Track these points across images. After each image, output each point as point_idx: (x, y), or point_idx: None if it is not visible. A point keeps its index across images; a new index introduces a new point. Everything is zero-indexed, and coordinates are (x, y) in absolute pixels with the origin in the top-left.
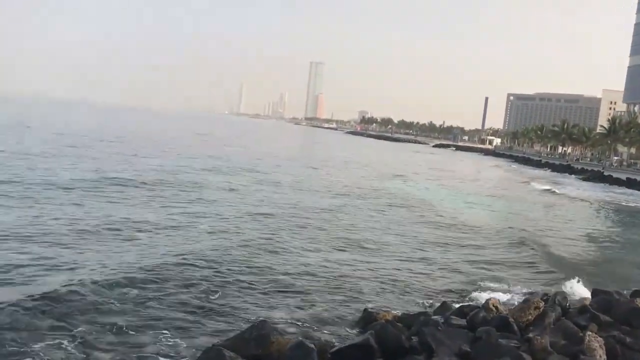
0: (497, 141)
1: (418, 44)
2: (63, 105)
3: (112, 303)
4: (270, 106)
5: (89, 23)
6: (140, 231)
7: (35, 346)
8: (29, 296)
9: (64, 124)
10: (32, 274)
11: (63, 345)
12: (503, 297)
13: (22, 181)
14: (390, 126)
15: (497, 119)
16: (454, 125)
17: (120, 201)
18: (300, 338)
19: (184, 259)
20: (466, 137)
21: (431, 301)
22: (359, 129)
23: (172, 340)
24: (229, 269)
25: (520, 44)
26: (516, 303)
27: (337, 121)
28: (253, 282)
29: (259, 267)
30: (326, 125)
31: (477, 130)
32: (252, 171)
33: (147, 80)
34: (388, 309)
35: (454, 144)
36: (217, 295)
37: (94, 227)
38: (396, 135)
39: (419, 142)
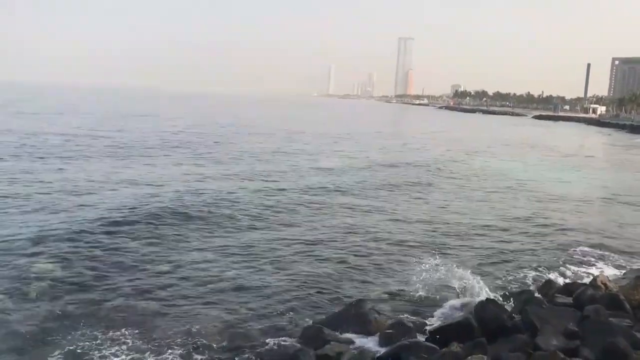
0: (601, 109)
1: (512, 12)
2: (152, 94)
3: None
4: (359, 86)
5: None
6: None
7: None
8: None
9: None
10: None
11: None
12: (612, 273)
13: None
14: (484, 99)
15: (601, 86)
16: (554, 95)
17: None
18: (399, 316)
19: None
20: (567, 107)
21: (532, 277)
22: (452, 103)
23: (273, 317)
24: (326, 246)
25: (625, 1)
26: (628, 281)
27: (428, 97)
28: (350, 261)
29: (355, 245)
30: (417, 101)
31: (579, 99)
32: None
33: (227, 66)
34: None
35: (554, 114)
36: (315, 273)
37: None
38: (492, 108)
39: (517, 114)
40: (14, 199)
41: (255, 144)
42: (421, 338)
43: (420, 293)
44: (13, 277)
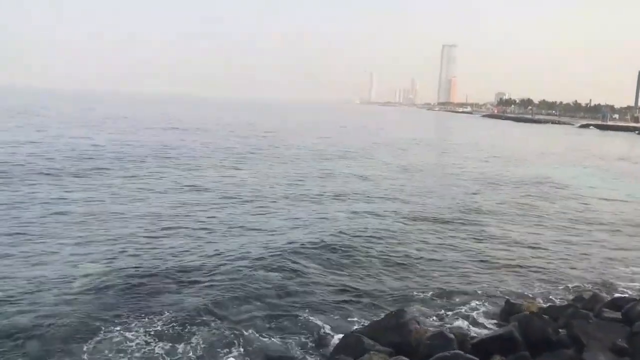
0: None
1: (558, 18)
2: (184, 101)
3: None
4: (401, 93)
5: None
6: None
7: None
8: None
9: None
10: None
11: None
12: None
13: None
14: (530, 107)
15: None
16: (602, 103)
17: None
18: (440, 328)
19: (324, 241)
20: (616, 116)
21: (578, 291)
22: (495, 111)
23: (312, 324)
24: (368, 256)
25: None
26: None
27: (471, 104)
28: (391, 270)
29: (396, 254)
30: (460, 109)
31: (629, 108)
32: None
33: (267, 72)
34: (532, 300)
35: (602, 123)
36: (356, 281)
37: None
38: (537, 117)
39: (563, 123)
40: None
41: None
42: (462, 350)
43: (463, 305)
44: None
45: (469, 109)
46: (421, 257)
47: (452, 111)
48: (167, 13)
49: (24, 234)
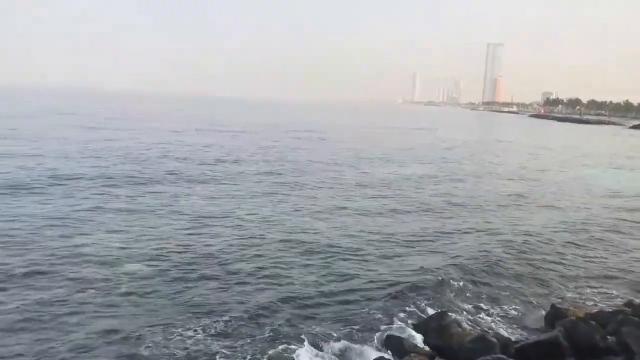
0: None
1: (606, 16)
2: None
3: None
4: (444, 92)
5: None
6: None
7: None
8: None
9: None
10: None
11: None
12: None
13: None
14: (578, 107)
15: None
16: None
17: None
18: (482, 331)
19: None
20: None
21: (628, 297)
22: (542, 111)
23: (355, 324)
24: (413, 256)
25: None
26: None
27: (517, 104)
28: (434, 272)
29: (441, 257)
30: (505, 109)
31: None
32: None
33: (313, 74)
34: (579, 305)
35: None
36: (399, 283)
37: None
38: (585, 117)
39: (613, 124)
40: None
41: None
42: (505, 355)
43: (506, 308)
44: None
45: (514, 108)
46: (465, 260)
47: (497, 111)
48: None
49: (71, 236)
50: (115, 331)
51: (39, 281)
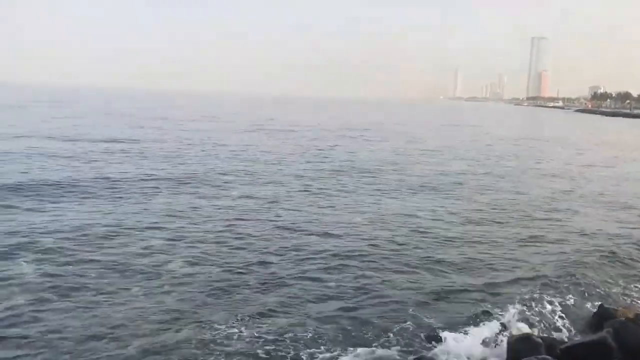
0: None
1: None
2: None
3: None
4: (487, 88)
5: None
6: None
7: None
8: None
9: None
10: None
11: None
12: None
13: None
14: (628, 101)
15: None
16: None
17: None
18: (527, 331)
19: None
20: None
21: None
22: (589, 106)
23: (395, 323)
24: (451, 255)
25: None
26: None
27: (563, 99)
28: (474, 270)
29: (481, 254)
30: (551, 104)
31: None
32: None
33: (350, 72)
34: (629, 306)
35: None
36: (439, 281)
37: None
38: (636, 111)
39: None
40: None
41: None
42: (550, 356)
43: (552, 307)
44: None
45: (560, 103)
46: (507, 257)
47: (542, 106)
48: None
49: (115, 235)
50: (158, 330)
51: (83, 280)
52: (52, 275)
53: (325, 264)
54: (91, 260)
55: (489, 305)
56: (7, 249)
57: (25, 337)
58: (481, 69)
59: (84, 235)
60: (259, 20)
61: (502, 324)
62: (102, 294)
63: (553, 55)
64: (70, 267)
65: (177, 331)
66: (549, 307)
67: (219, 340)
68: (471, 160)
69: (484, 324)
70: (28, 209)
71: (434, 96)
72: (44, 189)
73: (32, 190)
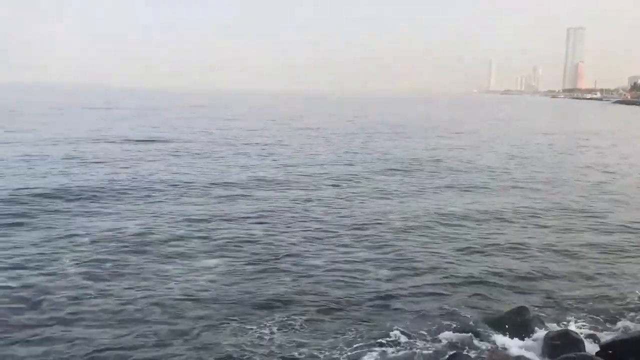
0: None
1: None
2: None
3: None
4: (522, 80)
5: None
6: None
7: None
8: None
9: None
10: None
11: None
12: None
13: None
14: None
15: None
16: None
17: None
18: (565, 327)
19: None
20: None
21: None
22: (629, 96)
23: (429, 318)
24: (488, 248)
25: None
26: None
27: (601, 90)
28: (512, 264)
29: (519, 248)
30: (588, 95)
31: None
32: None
33: (381, 66)
34: None
35: None
36: (475, 275)
37: None
38: None
39: None
40: None
41: None
42: (591, 352)
43: (590, 303)
44: None
45: (598, 95)
46: (545, 250)
47: (580, 98)
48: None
49: (150, 231)
50: (194, 326)
51: (123, 276)
52: (91, 275)
53: (367, 258)
54: (129, 259)
55: (523, 297)
56: (51, 249)
57: (65, 332)
58: (515, 62)
59: (121, 234)
60: (286, 16)
61: (540, 320)
62: (139, 288)
63: (589, 45)
64: (109, 264)
65: (210, 326)
66: (588, 302)
67: (251, 336)
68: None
69: (519, 319)
70: (69, 211)
71: (468, 89)
72: (90, 192)
73: (73, 194)
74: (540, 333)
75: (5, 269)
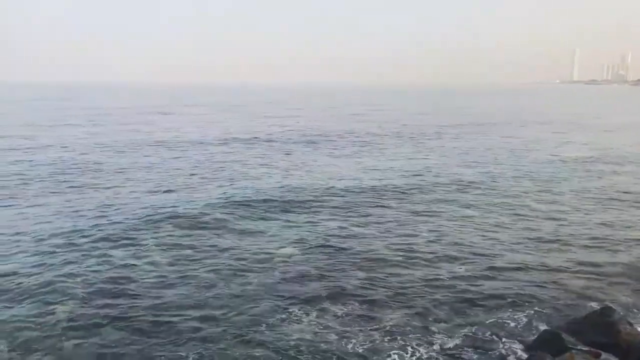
0: None
1: None
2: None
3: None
4: (609, 69)
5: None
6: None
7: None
8: None
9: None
10: None
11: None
12: None
13: None
14: None
15: None
16: None
17: None
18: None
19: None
20: None
21: None
22: None
23: (507, 316)
24: (571, 243)
25: None
26: None
27: None
28: (596, 260)
29: (606, 243)
30: None
31: None
32: None
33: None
34: None
35: None
36: (558, 272)
37: None
38: None
39: None
40: None
41: None
42: None
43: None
44: None
45: None
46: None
47: None
48: None
49: (227, 224)
50: (270, 310)
51: (201, 267)
52: (173, 259)
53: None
54: (208, 247)
55: (610, 297)
56: (136, 234)
57: (146, 315)
58: (601, 49)
59: (200, 222)
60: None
61: (628, 322)
62: (219, 278)
63: None
64: (189, 251)
65: (284, 312)
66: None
67: (322, 322)
68: None
69: (604, 320)
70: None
71: (549, 79)
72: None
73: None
74: (627, 335)
75: None
